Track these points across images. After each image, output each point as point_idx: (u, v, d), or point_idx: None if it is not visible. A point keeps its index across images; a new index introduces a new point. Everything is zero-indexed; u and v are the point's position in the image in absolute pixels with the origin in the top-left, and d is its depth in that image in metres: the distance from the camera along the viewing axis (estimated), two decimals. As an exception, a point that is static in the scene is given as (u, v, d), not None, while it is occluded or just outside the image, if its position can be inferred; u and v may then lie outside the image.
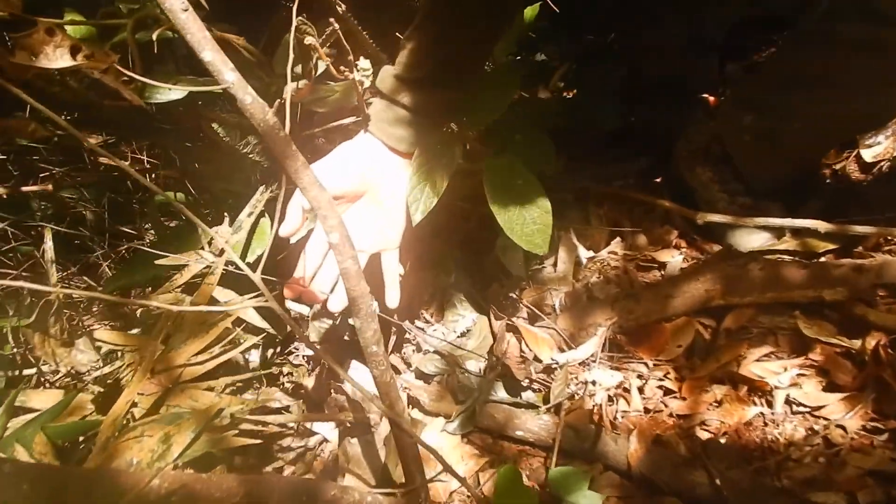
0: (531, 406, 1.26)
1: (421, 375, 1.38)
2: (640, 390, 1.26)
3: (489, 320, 1.40)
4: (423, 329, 1.44)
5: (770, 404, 1.17)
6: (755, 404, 1.19)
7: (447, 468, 0.92)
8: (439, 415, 1.30)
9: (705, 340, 1.32)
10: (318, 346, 1.56)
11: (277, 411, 1.55)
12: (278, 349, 1.68)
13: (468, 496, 1.18)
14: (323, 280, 1.13)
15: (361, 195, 1.10)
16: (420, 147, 1.10)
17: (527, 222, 1.15)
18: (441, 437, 1.25)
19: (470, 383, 1.29)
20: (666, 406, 1.22)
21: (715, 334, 1.32)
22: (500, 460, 1.23)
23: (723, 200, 1.52)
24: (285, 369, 1.64)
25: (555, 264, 1.56)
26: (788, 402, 1.17)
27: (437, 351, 1.35)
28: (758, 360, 1.24)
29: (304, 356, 1.64)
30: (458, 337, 1.37)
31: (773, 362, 1.23)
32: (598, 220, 1.66)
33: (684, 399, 1.23)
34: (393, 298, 1.14)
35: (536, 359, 1.33)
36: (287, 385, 1.59)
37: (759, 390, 1.20)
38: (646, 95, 1.77)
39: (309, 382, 1.57)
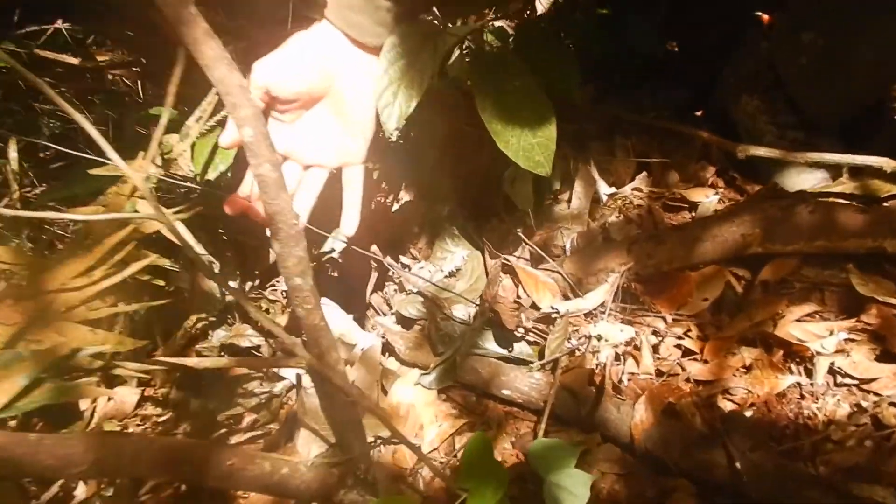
0: (523, 361, 1.07)
1: (401, 320, 1.20)
2: (655, 349, 1.06)
3: (483, 259, 1.20)
4: (408, 266, 1.26)
5: (809, 373, 0.97)
6: (791, 372, 0.98)
7: (394, 432, 0.74)
8: (416, 365, 1.12)
9: (737, 294, 1.10)
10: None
11: (247, 351, 1.39)
12: (257, 282, 1.52)
13: (441, 462, 1.00)
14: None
15: (319, 98, 0.90)
16: (392, 39, 0.89)
17: (524, 134, 0.94)
18: (415, 391, 1.08)
19: (453, 331, 1.10)
20: (683, 369, 1.02)
21: (749, 287, 1.10)
22: (481, 423, 1.05)
23: (770, 134, 1.28)
24: (263, 304, 1.49)
25: (569, 200, 1.35)
26: (832, 371, 0.96)
27: (420, 292, 1.16)
28: (798, 321, 1.02)
29: (283, 291, 1.47)
30: (446, 277, 1.18)
31: (817, 323, 1.02)
32: (624, 153, 1.43)
33: (706, 362, 1.03)
34: (349, 223, 0.95)
35: (534, 306, 1.13)
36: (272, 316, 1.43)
37: (798, 356, 0.99)
38: (691, 14, 1.51)
39: (282, 320, 1.41)
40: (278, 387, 1.27)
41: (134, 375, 1.26)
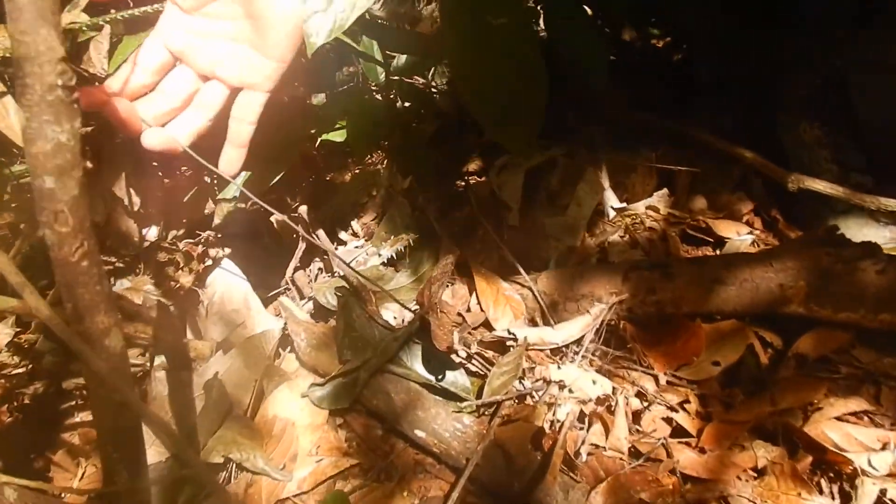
0: (453, 396, 0.78)
1: (318, 309, 0.91)
2: (635, 418, 0.77)
3: (437, 253, 0.91)
4: (343, 243, 0.97)
5: (847, 498, 0.67)
6: (821, 492, 0.69)
7: (199, 469, 0.45)
8: (316, 371, 0.83)
9: (760, 365, 0.82)
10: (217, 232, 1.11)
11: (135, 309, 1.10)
12: (182, 231, 1.23)
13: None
14: (155, 100, 0.68)
15: None
16: None
17: (503, 92, 0.66)
18: (300, 406, 0.79)
19: (370, 336, 0.81)
20: (669, 455, 0.73)
21: (778, 359, 0.81)
22: (377, 470, 0.75)
23: (830, 173, 1.00)
24: (178, 258, 1.20)
25: (566, 206, 1.06)
26: (881, 502, 0.66)
27: (345, 277, 0.87)
28: (840, 419, 0.74)
29: (204, 243, 1.19)
30: (383, 265, 0.89)
31: (866, 429, 0.73)
32: (645, 167, 1.14)
33: (702, 451, 0.74)
34: (231, 160, 0.72)
35: (487, 325, 0.84)
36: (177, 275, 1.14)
37: (833, 469, 0.70)
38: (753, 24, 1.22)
39: (187, 280, 1.12)
40: (156, 362, 0.98)
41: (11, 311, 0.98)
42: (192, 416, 0.76)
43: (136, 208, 1.15)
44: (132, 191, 1.15)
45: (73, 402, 1.01)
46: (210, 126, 0.71)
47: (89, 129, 1.41)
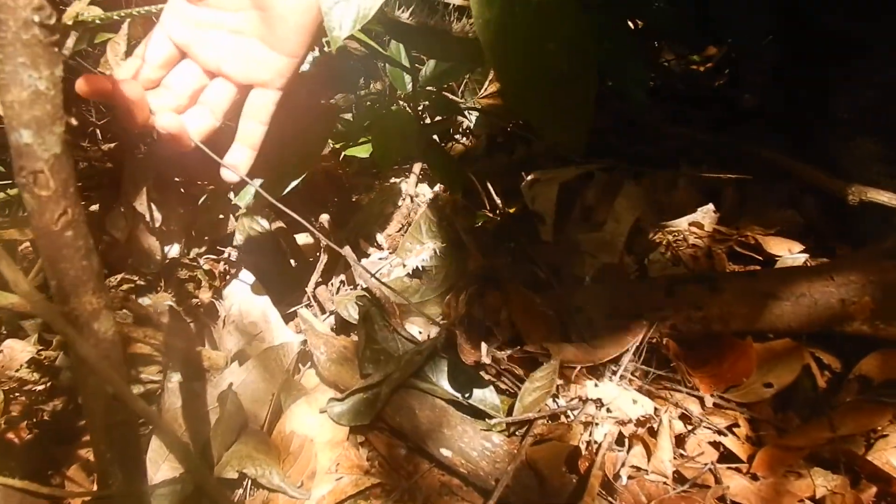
0: (482, 414, 0.73)
1: (340, 323, 0.87)
2: (678, 441, 0.71)
3: (466, 264, 0.87)
4: (367, 254, 0.93)
5: (920, 535, 0.60)
6: (889, 526, 0.62)
7: (208, 483, 0.40)
8: (337, 387, 0.78)
9: (817, 388, 0.75)
10: (239, 251, 1.08)
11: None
12: (203, 248, 1.21)
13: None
14: (160, 95, 0.64)
15: None
16: None
17: (549, 84, 0.62)
18: (319, 422, 0.74)
19: (394, 349, 0.76)
20: (718, 481, 0.66)
21: (838, 382, 0.74)
22: (401, 492, 0.70)
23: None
24: (199, 275, 1.17)
25: (602, 223, 1.01)
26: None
27: (368, 290, 0.83)
28: (908, 448, 0.66)
29: (225, 261, 1.16)
30: (408, 276, 0.85)
31: (940, 460, 0.65)
32: (689, 185, 1.09)
33: (755, 478, 0.67)
34: (238, 159, 0.66)
35: (518, 340, 0.79)
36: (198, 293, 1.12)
37: (902, 502, 0.63)
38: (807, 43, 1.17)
39: (207, 296, 1.09)
40: (175, 379, 0.94)
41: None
42: (207, 429, 0.72)
43: (157, 225, 1.13)
44: (153, 206, 1.14)
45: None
46: (218, 126, 0.67)
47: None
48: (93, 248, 0.38)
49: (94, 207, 1.27)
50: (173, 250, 1.14)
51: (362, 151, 1.05)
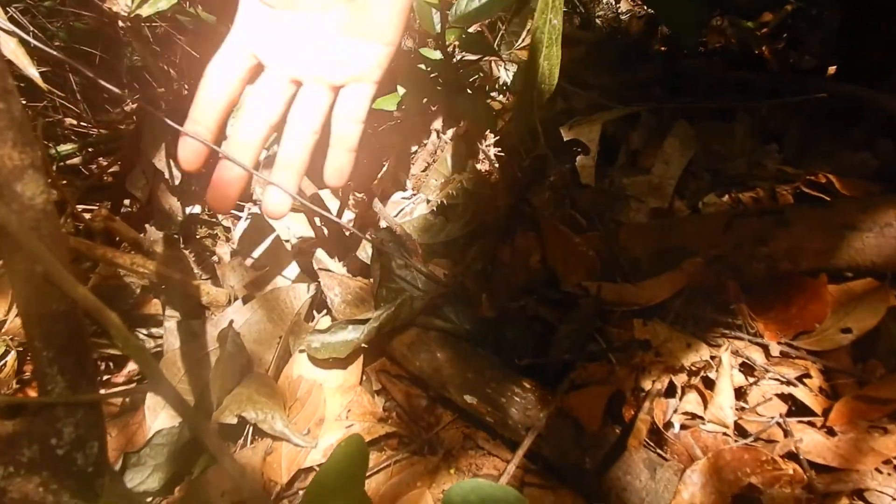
0: (510, 356, 0.64)
1: (357, 266, 0.79)
2: (740, 395, 0.61)
3: (495, 202, 0.78)
4: (388, 195, 0.85)
5: None
6: None
7: (193, 422, 0.33)
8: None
9: (904, 335, 0.64)
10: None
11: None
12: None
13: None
14: (248, 121, 0.58)
15: None
16: None
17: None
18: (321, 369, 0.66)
19: (410, 288, 0.68)
20: (787, 435, 0.56)
21: (929, 327, 0.64)
22: (420, 443, 0.62)
23: None
24: (221, 230, 1.12)
25: (649, 168, 0.92)
26: None
27: (389, 228, 0.75)
28: None
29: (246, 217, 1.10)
30: (430, 213, 0.76)
31: None
32: (745, 132, 0.98)
33: (831, 434, 0.57)
34: (339, 168, 0.59)
35: (555, 283, 0.70)
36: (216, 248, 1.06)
37: None
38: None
39: (225, 253, 1.03)
40: (173, 318, 0.88)
41: None
42: (207, 372, 0.65)
43: (177, 183, 1.07)
44: (173, 164, 1.08)
45: (100, 378, 0.93)
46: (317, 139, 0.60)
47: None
48: (14, 90, 0.30)
49: (115, 169, 1.22)
50: (195, 210, 1.09)
51: (390, 103, 0.98)
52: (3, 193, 0.31)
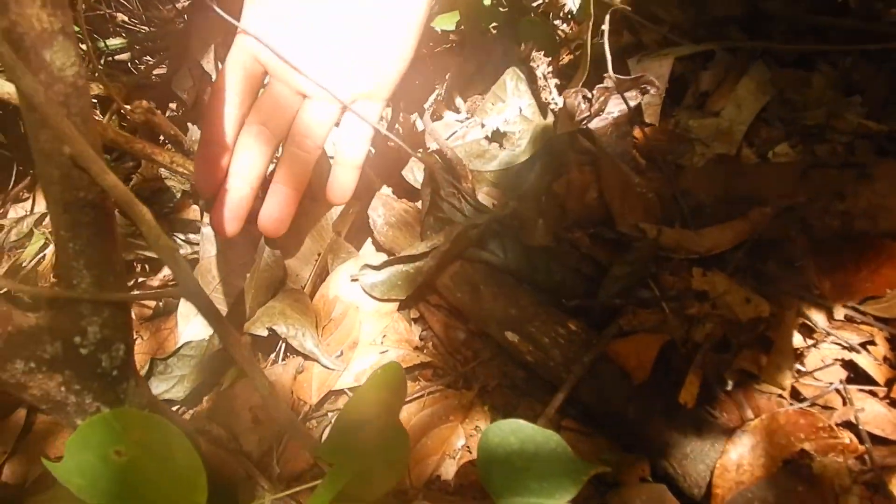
0: (556, 294, 0.61)
1: (404, 189, 0.76)
2: (798, 355, 0.58)
3: (554, 131, 0.74)
4: (440, 116, 0.81)
5: None
6: None
7: (224, 333, 0.31)
8: (392, 253, 0.68)
9: None
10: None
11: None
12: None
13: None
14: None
15: None
16: None
17: None
18: (359, 290, 0.64)
19: (458, 218, 0.65)
20: (847, 401, 0.53)
21: None
22: (453, 377, 0.60)
23: None
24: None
25: (719, 111, 0.86)
26: None
27: (440, 151, 0.72)
28: None
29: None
30: (485, 139, 0.72)
31: None
32: (824, 83, 0.91)
33: (893, 404, 0.53)
34: (343, 185, 0.58)
35: (610, 223, 0.66)
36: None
37: None
38: None
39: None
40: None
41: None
42: (242, 282, 0.64)
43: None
44: (219, 65, 1.04)
45: (134, 280, 0.93)
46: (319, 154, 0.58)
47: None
48: None
49: (162, 70, 1.20)
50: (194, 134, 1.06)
51: (448, 22, 0.93)
52: (31, 60, 0.28)
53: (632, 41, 1.10)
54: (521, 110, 0.71)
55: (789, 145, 0.81)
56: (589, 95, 0.81)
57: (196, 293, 0.32)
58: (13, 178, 1.20)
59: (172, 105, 1.13)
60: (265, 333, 0.59)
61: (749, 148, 0.84)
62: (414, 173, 0.73)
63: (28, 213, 1.16)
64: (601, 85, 0.80)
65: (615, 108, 0.78)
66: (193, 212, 0.90)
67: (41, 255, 1.06)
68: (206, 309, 0.32)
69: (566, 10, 1.28)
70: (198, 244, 0.85)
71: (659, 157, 0.79)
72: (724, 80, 0.91)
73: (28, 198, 1.20)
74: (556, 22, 1.26)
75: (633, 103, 0.82)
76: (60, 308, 0.32)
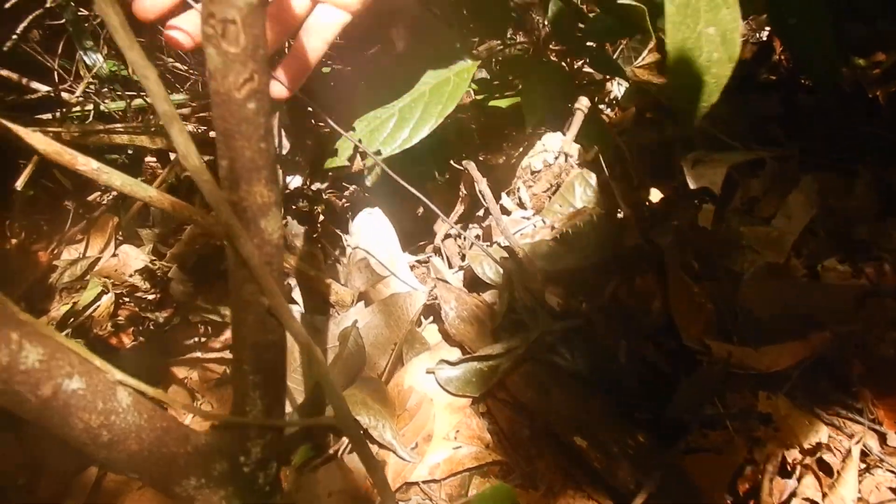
0: (626, 405, 0.64)
1: (471, 280, 0.80)
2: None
3: (621, 237, 0.78)
4: (508, 211, 0.85)
5: None
6: None
7: (344, 415, 0.34)
8: (462, 346, 0.71)
9: None
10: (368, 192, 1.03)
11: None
12: (326, 183, 1.16)
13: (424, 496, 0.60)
14: None
15: None
16: None
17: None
18: (433, 382, 0.67)
19: (529, 319, 0.69)
20: (903, 534, 0.56)
21: None
22: (520, 476, 0.63)
23: None
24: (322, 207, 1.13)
25: (768, 217, 0.90)
26: None
27: (510, 248, 0.75)
28: None
29: (348, 198, 1.11)
30: (553, 240, 0.76)
31: None
32: (868, 192, 0.96)
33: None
34: (290, 76, 0.56)
35: (669, 330, 0.70)
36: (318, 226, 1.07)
37: None
38: None
39: (326, 229, 1.04)
40: (297, 308, 0.90)
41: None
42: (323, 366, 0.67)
43: (284, 152, 1.09)
44: (283, 133, 1.09)
45: (196, 339, 0.96)
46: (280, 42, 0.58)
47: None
48: (272, 130, 0.31)
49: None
50: (295, 181, 1.10)
51: (508, 105, 0.97)
52: (250, 228, 0.32)
53: (675, 133, 1.15)
54: (592, 218, 0.75)
55: (837, 260, 0.85)
56: (648, 203, 0.86)
57: (352, 429, 0.35)
58: (69, 221, 1.24)
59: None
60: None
61: (797, 258, 0.87)
62: (483, 267, 0.76)
63: (81, 256, 1.20)
64: (663, 197, 0.85)
65: (675, 215, 0.82)
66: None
67: (97, 303, 1.10)
68: (356, 440, 0.36)
69: (612, 96, 1.34)
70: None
71: (712, 262, 0.82)
72: (773, 187, 0.95)
73: (81, 240, 1.23)
74: (601, 105, 1.32)
75: (690, 208, 0.86)
76: (230, 430, 0.36)
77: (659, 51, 1.24)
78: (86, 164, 0.50)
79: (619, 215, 0.78)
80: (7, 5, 1.08)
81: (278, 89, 0.56)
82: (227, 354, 0.89)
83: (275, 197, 0.32)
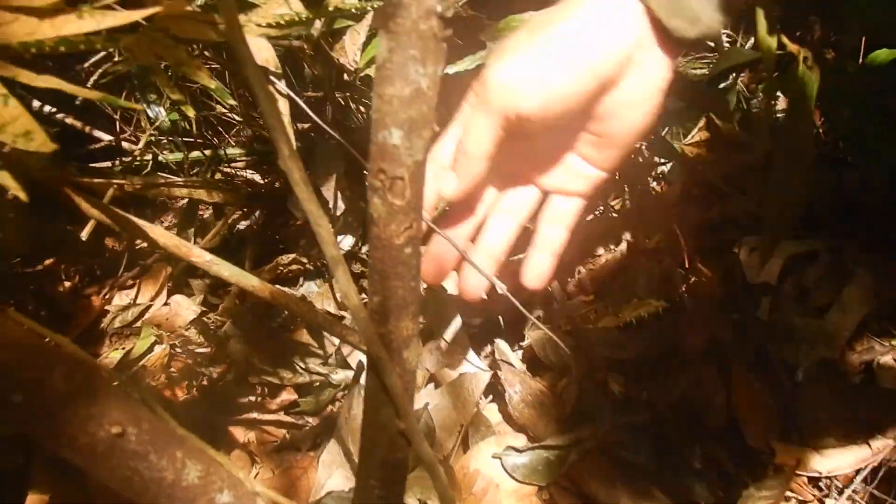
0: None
1: (532, 361, 0.81)
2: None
3: (685, 332, 0.79)
4: (568, 296, 0.87)
5: None
6: None
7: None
8: (525, 431, 0.73)
9: None
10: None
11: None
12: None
13: None
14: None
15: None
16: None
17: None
18: (499, 466, 0.69)
19: (595, 408, 0.70)
20: None
21: None
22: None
23: None
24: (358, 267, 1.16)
25: (822, 309, 0.91)
26: None
27: (574, 333, 0.77)
28: None
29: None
30: (615, 329, 0.78)
31: None
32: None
33: None
34: (540, 271, 0.57)
35: (732, 427, 0.71)
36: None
37: None
38: None
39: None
40: (338, 375, 0.92)
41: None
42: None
43: (339, 213, 1.12)
44: (339, 195, 1.12)
45: (254, 399, 0.98)
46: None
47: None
48: (419, 269, 0.34)
49: (279, 184, 1.28)
50: (346, 241, 1.13)
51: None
52: (393, 358, 0.34)
53: (721, 213, 1.16)
54: (660, 312, 0.76)
55: (893, 359, 0.86)
56: (707, 291, 0.88)
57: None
58: (122, 267, 1.27)
59: (279, 220, 1.22)
60: (416, 504, 0.64)
61: (852, 353, 0.88)
62: (546, 350, 0.78)
63: (133, 303, 1.23)
64: (719, 286, 0.87)
65: (736, 307, 0.84)
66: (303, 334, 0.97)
67: (150, 353, 1.12)
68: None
69: (658, 171, 1.36)
70: (317, 373, 0.92)
71: (766, 354, 0.84)
72: (827, 280, 0.96)
73: (133, 286, 1.26)
74: (647, 179, 1.34)
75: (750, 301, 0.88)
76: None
77: (708, 129, 1.27)
78: (199, 257, 0.53)
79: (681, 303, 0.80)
80: (86, 64, 1.12)
81: (534, 281, 0.57)
82: (284, 417, 0.91)
83: (417, 328, 0.34)
